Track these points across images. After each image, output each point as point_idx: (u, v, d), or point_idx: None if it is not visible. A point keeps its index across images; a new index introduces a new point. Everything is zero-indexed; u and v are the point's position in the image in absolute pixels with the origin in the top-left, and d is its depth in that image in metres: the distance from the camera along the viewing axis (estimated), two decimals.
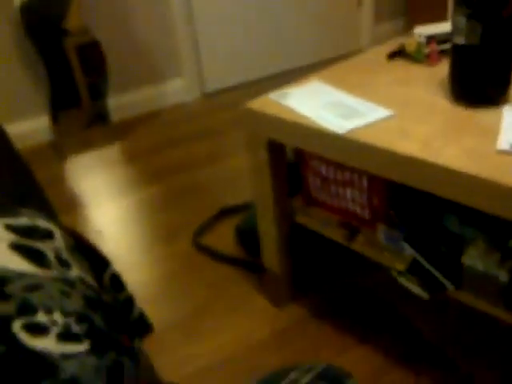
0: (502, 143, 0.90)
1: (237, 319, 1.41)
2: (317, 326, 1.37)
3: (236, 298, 1.48)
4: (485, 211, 0.87)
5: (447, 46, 1.29)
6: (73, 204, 2.00)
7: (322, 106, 1.14)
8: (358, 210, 1.23)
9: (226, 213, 1.85)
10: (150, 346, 1.14)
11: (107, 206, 1.97)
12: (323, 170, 1.24)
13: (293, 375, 0.42)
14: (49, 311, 0.57)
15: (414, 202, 1.16)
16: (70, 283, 0.65)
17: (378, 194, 1.17)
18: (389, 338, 1.31)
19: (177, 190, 2.03)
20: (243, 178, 2.06)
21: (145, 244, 1.74)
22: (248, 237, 1.62)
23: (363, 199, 1.21)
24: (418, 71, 1.27)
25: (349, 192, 1.22)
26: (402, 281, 1.15)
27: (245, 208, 1.78)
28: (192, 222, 1.82)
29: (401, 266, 1.14)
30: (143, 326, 0.95)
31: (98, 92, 2.46)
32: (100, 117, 2.55)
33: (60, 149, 2.44)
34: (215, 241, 1.72)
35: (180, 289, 1.54)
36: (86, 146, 2.45)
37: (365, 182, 1.18)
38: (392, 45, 1.44)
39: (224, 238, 1.73)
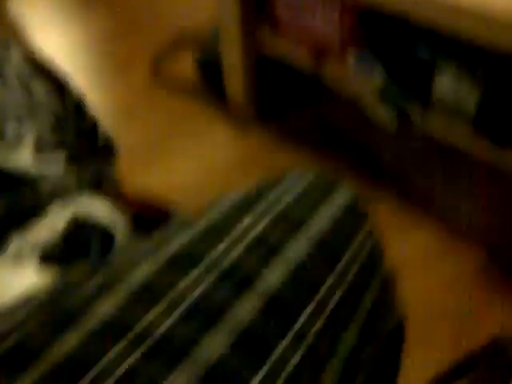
0: None
1: (199, 146, 1.40)
2: (281, 151, 1.38)
3: (198, 126, 1.46)
4: (459, 36, 0.85)
5: None
6: (18, 36, 1.84)
7: None
8: (329, 34, 1.17)
9: (185, 41, 1.75)
10: None
11: (56, 36, 1.82)
12: None
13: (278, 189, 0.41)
14: (20, 121, 0.53)
15: (386, 32, 1.11)
16: (37, 102, 0.61)
17: (349, 14, 1.11)
18: (349, 164, 1.35)
19: (130, 16, 1.89)
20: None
21: (100, 73, 1.65)
22: (210, 67, 1.55)
23: (334, 21, 1.14)
24: None
25: (319, 16, 1.16)
26: (370, 110, 1.15)
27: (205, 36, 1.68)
28: (149, 48, 1.72)
29: (370, 96, 1.13)
30: (109, 151, 0.92)
31: None
32: None
33: None
34: (175, 71, 1.65)
35: (139, 117, 1.49)
36: None
37: (337, 4, 1.11)
38: None
39: (184, 67, 1.66)
